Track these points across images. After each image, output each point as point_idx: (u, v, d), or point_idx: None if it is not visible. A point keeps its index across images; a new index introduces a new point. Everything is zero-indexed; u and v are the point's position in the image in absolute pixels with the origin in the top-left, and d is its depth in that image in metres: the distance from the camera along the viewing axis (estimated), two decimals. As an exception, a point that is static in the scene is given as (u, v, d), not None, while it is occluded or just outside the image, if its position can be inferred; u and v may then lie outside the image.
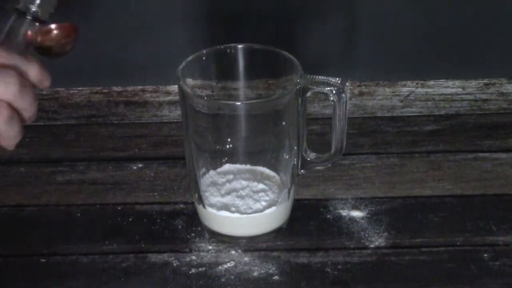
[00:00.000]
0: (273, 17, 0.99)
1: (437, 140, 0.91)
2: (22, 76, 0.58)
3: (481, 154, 0.89)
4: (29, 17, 0.62)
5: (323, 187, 0.84)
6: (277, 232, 0.78)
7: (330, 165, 0.78)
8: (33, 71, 0.59)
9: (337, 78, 0.73)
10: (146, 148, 0.90)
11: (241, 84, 0.78)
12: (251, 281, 0.73)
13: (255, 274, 0.74)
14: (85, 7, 0.95)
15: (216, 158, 0.77)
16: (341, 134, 0.75)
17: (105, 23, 0.96)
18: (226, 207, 0.76)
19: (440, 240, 0.77)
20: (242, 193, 0.77)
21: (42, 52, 0.63)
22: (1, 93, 0.56)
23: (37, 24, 0.63)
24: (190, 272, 0.74)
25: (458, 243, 0.77)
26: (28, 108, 0.59)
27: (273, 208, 0.76)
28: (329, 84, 0.73)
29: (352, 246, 0.77)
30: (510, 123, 0.94)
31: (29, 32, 0.62)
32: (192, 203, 0.80)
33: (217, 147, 0.76)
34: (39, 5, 0.62)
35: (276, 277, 0.74)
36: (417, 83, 1.00)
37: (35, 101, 0.59)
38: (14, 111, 0.58)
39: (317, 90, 0.73)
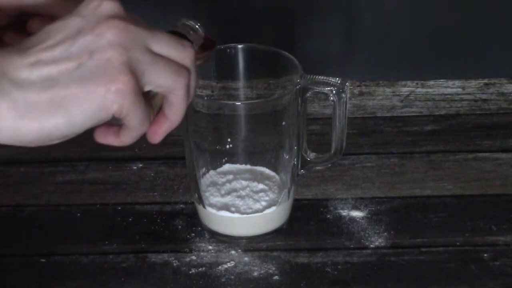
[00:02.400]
0: (273, 17, 0.99)
1: (437, 140, 0.91)
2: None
3: (481, 154, 0.89)
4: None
5: (323, 187, 0.84)
6: (277, 232, 0.78)
7: (330, 165, 0.78)
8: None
9: (337, 78, 0.73)
10: (146, 148, 0.90)
11: (241, 84, 0.78)
12: (251, 281, 0.73)
13: (255, 274, 0.74)
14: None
15: (216, 158, 0.77)
16: (341, 134, 0.75)
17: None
18: (226, 207, 0.76)
19: (440, 240, 0.77)
20: (242, 193, 0.77)
21: None
22: (182, 56, 0.53)
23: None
24: (190, 272, 0.74)
25: (458, 243, 0.77)
26: (194, 85, 0.55)
27: (273, 208, 0.76)
28: (329, 84, 0.73)
29: (352, 246, 0.77)
30: (510, 123, 0.94)
31: None
32: (192, 203, 0.80)
33: (217, 147, 0.76)
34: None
35: (276, 277, 0.74)
36: (417, 83, 1.00)
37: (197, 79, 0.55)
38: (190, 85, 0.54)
39: (317, 90, 0.73)
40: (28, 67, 0.49)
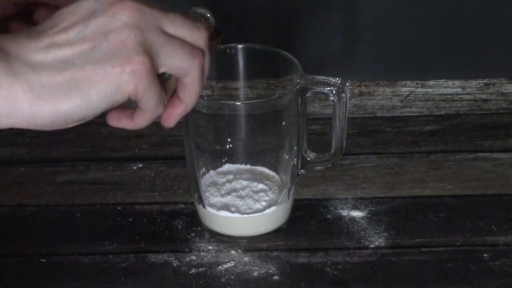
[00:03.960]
0: (273, 17, 0.99)
1: (437, 140, 0.91)
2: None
3: (481, 154, 0.89)
4: None
5: (323, 187, 0.84)
6: (277, 232, 0.78)
7: (330, 165, 0.78)
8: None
9: (337, 78, 0.73)
10: (146, 148, 0.90)
11: (241, 84, 0.78)
12: (251, 281, 0.73)
13: (255, 274, 0.74)
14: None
15: (216, 158, 0.77)
16: (341, 134, 0.75)
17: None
18: (226, 207, 0.76)
19: (440, 240, 0.77)
20: (242, 193, 0.77)
21: None
22: (196, 37, 0.53)
23: None
24: (190, 272, 0.74)
25: (458, 243, 0.77)
26: (208, 67, 0.55)
27: (273, 208, 0.76)
28: (329, 84, 0.73)
29: (352, 246, 0.77)
30: (510, 123, 0.94)
31: None
32: (192, 203, 0.80)
33: (217, 147, 0.76)
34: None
35: (276, 277, 0.74)
36: (417, 83, 1.00)
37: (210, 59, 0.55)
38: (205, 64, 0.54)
39: (317, 90, 0.73)
40: (43, 49, 0.49)
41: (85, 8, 0.51)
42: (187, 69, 0.53)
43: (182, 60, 0.52)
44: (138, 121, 0.54)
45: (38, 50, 0.49)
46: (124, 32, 0.50)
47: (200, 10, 0.60)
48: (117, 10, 0.50)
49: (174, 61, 0.52)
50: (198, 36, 0.53)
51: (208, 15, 0.60)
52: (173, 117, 0.55)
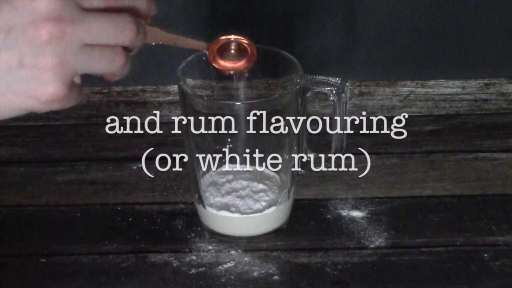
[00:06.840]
0: (273, 17, 0.98)
1: (437, 140, 0.91)
2: (136, 17, 0.54)
3: (481, 154, 0.89)
4: None
5: (323, 187, 0.84)
6: (277, 232, 0.78)
7: (330, 165, 0.78)
8: (143, 4, 0.55)
9: (337, 78, 0.73)
10: (146, 148, 0.90)
11: (241, 84, 0.78)
12: (251, 281, 0.73)
13: (255, 274, 0.74)
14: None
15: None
16: (341, 134, 0.75)
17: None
18: (226, 207, 0.76)
19: (440, 240, 0.77)
20: (242, 193, 0.77)
21: None
22: (120, 40, 0.52)
23: None
24: (190, 272, 0.74)
25: (458, 243, 0.77)
26: (139, 45, 0.55)
27: (273, 208, 0.76)
28: (329, 84, 0.73)
29: (352, 246, 0.77)
30: (510, 123, 0.94)
31: None
32: (192, 203, 0.80)
33: (217, 147, 0.76)
34: None
35: (276, 277, 0.74)
36: (417, 83, 1.00)
37: (144, 36, 0.55)
38: (128, 54, 0.54)
39: (317, 90, 0.73)
40: None
41: (2, 18, 0.48)
42: (108, 72, 0.53)
43: (103, 68, 0.52)
44: (115, 78, 0.55)
45: None
46: (42, 59, 0.48)
47: None
48: (37, 34, 0.48)
49: (95, 70, 0.52)
50: (122, 38, 0.52)
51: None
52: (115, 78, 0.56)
